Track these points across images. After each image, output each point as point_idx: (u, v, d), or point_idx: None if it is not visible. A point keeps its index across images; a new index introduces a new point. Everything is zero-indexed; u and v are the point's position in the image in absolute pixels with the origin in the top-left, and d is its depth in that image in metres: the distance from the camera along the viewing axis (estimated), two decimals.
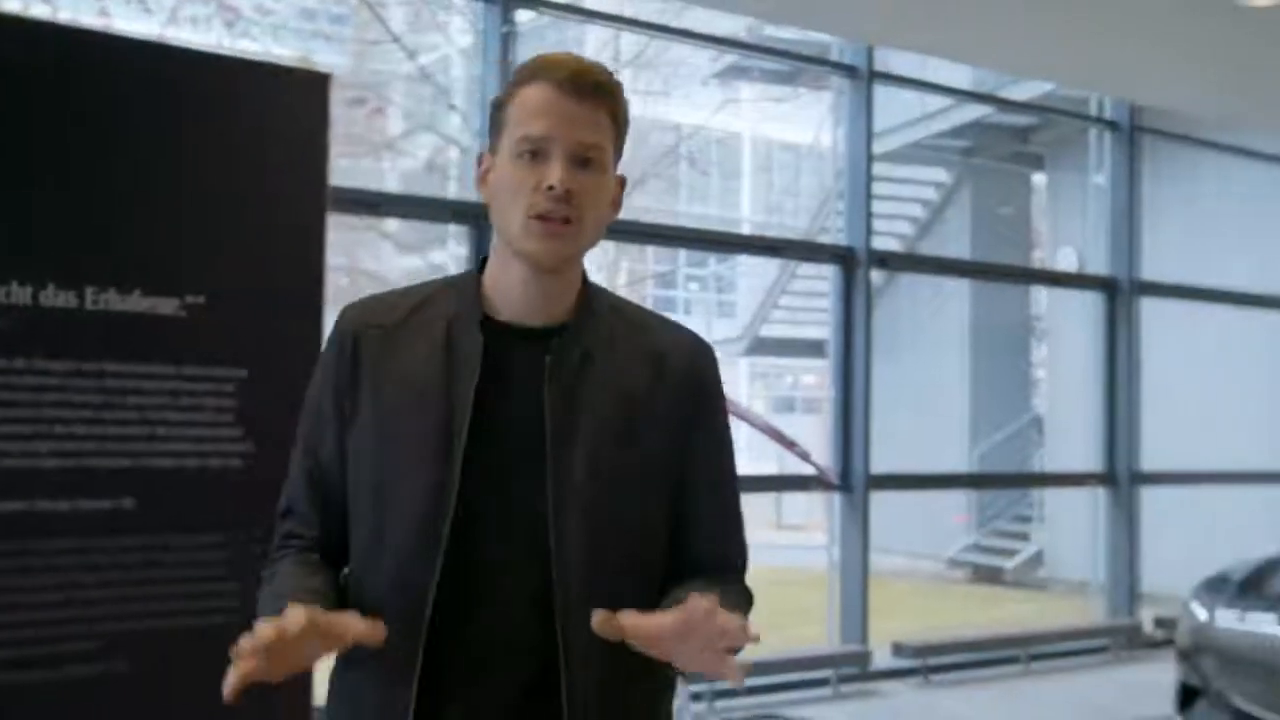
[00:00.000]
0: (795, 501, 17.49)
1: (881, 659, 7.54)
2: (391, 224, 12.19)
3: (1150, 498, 9.16)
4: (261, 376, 3.12)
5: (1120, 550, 8.94)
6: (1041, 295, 14.32)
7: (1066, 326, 12.51)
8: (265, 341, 3.14)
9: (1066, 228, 12.72)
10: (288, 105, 3.26)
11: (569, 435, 1.65)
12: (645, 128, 19.68)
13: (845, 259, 7.67)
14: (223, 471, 3.06)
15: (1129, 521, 8.96)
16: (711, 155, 23.10)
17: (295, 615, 1.45)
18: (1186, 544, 10.32)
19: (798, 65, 11.00)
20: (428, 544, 1.62)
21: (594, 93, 1.65)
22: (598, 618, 1.48)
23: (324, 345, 1.78)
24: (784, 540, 16.64)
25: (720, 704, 6.70)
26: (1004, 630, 8.35)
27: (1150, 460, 9.10)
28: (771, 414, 25.59)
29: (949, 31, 6.68)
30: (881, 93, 7.88)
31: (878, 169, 8.24)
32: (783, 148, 21.28)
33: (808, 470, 6.64)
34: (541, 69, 1.66)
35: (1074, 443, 10.52)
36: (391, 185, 12.53)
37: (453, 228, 10.76)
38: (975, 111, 12.33)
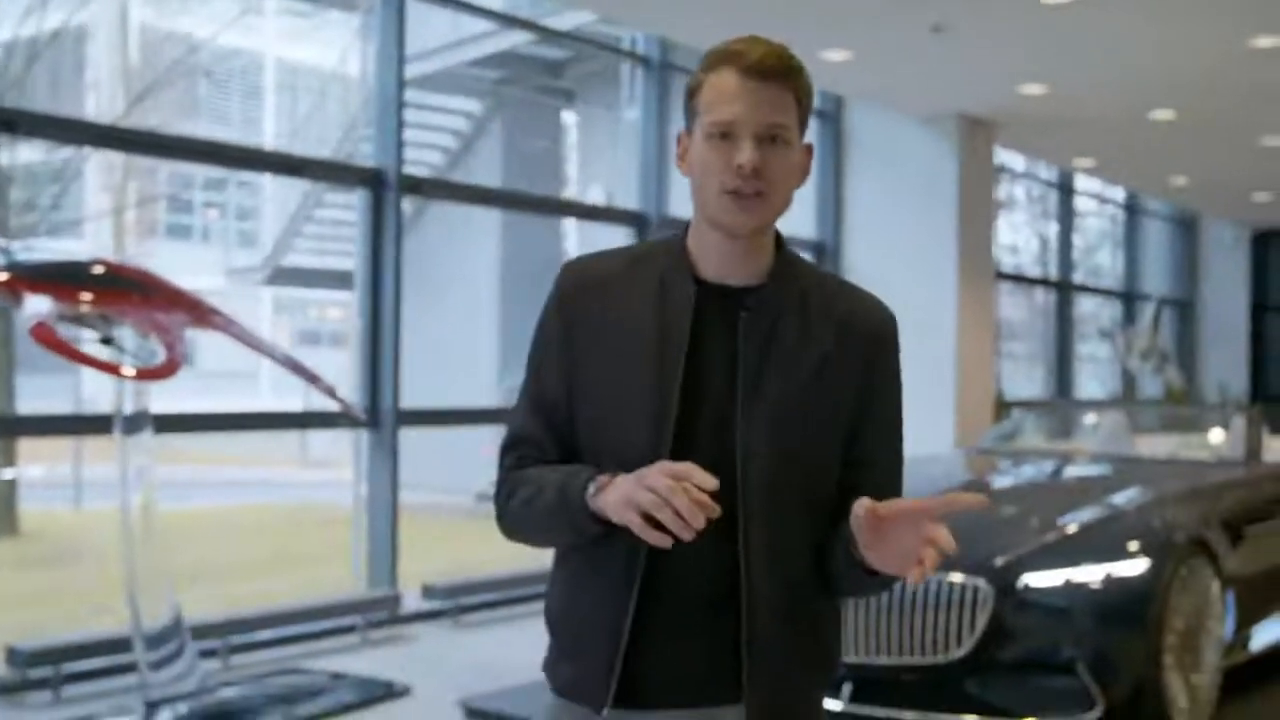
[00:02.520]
0: (322, 437, 16.92)
1: (412, 601, 7.25)
2: None
3: None
4: None
5: None
6: (572, 233, 14.43)
7: None
8: None
9: (597, 165, 12.83)
10: None
11: (757, 387, 1.84)
12: (157, 39, 18.25)
13: (374, 182, 7.23)
14: None
15: None
16: (233, 75, 21.78)
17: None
18: None
19: None
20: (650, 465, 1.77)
21: (778, 76, 1.81)
22: (859, 507, 1.68)
23: (550, 295, 1.96)
24: (311, 478, 16.08)
25: (236, 659, 6.18)
26: (534, 568, 8.24)
27: None
28: (296, 348, 24.68)
29: None
30: (414, 16, 7.47)
31: (410, 95, 7.84)
32: (309, 71, 20.38)
33: (334, 406, 6.21)
34: (728, 56, 1.81)
35: None
36: None
37: None
38: (508, 40, 12.13)
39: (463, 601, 7.32)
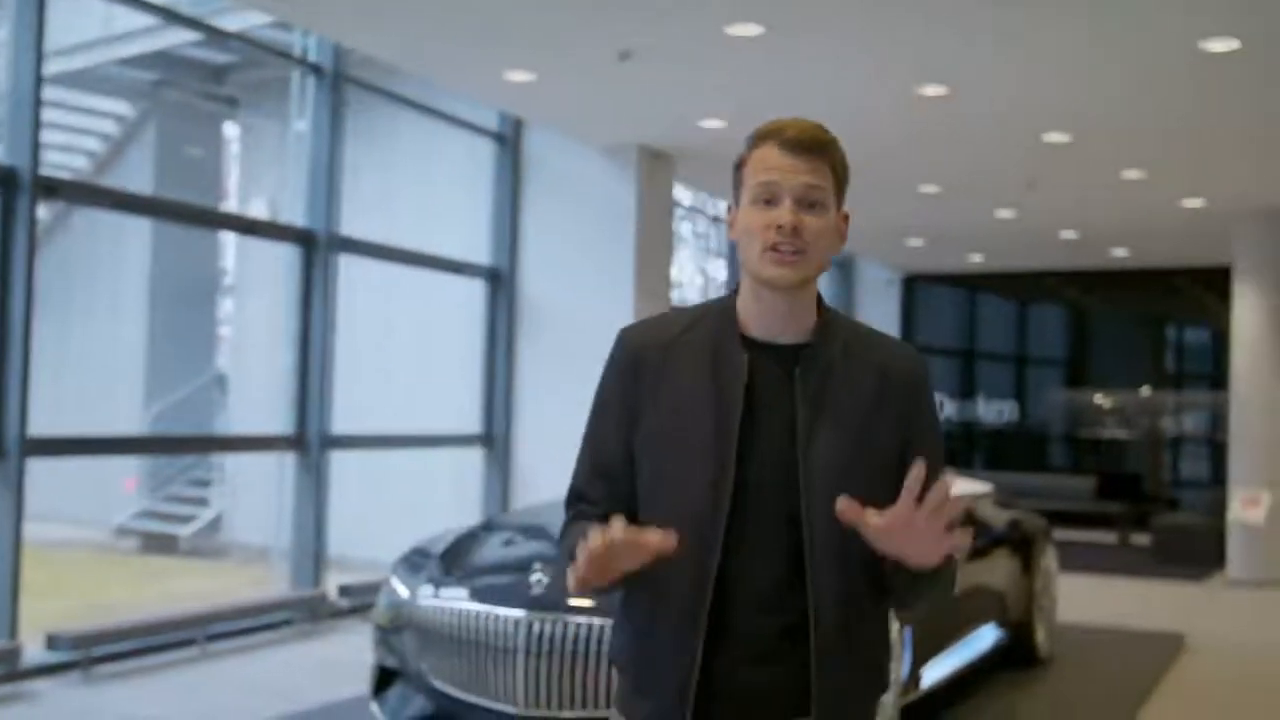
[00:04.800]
0: None
1: (34, 653, 6.47)
2: None
3: (337, 459, 8.85)
4: None
5: (306, 517, 8.52)
6: (230, 249, 13.62)
7: (256, 281, 11.95)
8: None
9: (261, 178, 12.15)
10: None
11: (816, 431, 2.01)
12: None
13: (5, 183, 6.45)
14: None
15: (317, 486, 8.56)
16: None
17: (615, 525, 1.86)
18: (373, 508, 10.21)
19: None
20: (713, 525, 2.00)
21: (814, 148, 2.02)
22: (841, 502, 1.87)
23: (608, 359, 2.19)
24: None
25: None
26: (177, 611, 7.54)
27: (340, 423, 8.78)
28: None
29: None
30: (60, 6, 6.74)
31: (52, 92, 7.07)
32: None
33: None
34: (770, 133, 2.04)
35: (259, 403, 10.00)
36: None
37: None
38: (167, 40, 11.31)
39: (94, 652, 6.59)
